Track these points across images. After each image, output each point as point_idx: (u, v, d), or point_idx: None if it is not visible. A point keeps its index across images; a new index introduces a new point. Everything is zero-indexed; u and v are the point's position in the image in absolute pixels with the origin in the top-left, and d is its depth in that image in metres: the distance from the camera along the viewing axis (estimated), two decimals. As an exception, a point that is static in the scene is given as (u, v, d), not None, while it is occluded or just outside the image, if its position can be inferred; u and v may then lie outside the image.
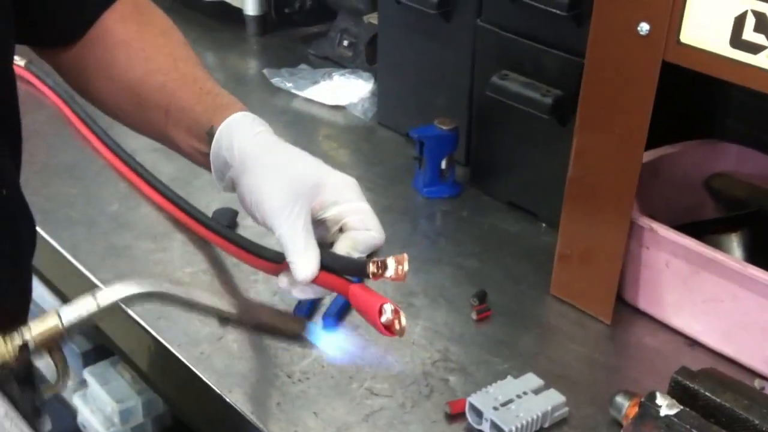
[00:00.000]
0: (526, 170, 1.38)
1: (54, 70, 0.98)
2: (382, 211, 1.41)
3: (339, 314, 1.14)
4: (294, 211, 0.76)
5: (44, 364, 0.78)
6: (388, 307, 0.75)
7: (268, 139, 0.82)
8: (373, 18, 1.69)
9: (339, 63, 1.85)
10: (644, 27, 0.97)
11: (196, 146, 0.85)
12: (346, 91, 1.73)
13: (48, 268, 1.33)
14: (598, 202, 1.11)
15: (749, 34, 0.89)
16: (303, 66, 1.85)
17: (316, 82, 1.77)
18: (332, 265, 0.76)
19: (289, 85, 1.77)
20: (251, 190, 0.78)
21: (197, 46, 1.21)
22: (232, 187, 0.83)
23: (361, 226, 0.79)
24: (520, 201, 1.40)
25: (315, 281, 0.76)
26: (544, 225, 1.37)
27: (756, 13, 0.88)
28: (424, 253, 1.31)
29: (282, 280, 0.79)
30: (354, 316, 1.15)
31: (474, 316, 1.15)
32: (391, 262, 0.75)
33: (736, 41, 0.90)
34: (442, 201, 1.44)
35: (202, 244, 1.30)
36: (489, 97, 1.33)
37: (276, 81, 1.78)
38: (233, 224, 1.34)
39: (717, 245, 1.09)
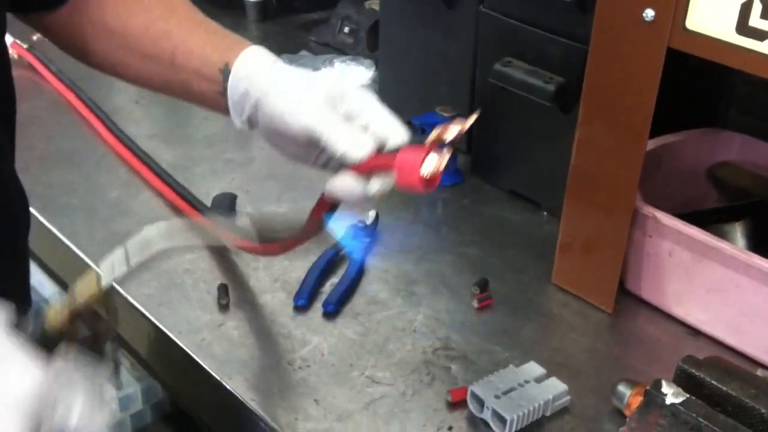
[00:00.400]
0: (528, 159, 1.37)
1: (46, 38, 0.97)
2: (384, 199, 1.41)
3: (339, 301, 1.13)
4: (330, 112, 0.78)
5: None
6: (432, 159, 0.74)
7: (285, 65, 0.84)
8: (374, 4, 1.68)
9: (340, 50, 1.84)
10: (649, 13, 0.96)
11: (208, 87, 0.86)
12: (348, 78, 1.72)
13: (48, 255, 1.32)
14: (600, 190, 1.10)
15: (756, 20, 0.88)
16: (304, 53, 1.84)
17: (316, 69, 1.75)
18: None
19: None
20: (282, 109, 0.79)
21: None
22: (250, 121, 0.84)
23: (387, 131, 0.80)
24: (522, 190, 1.40)
25: (368, 165, 0.77)
26: (545, 214, 1.36)
27: (763, 0, 0.87)
28: (426, 241, 1.30)
29: (332, 185, 0.79)
30: (354, 304, 1.15)
31: (475, 304, 1.15)
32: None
33: (743, 28, 0.89)
34: (444, 189, 1.43)
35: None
36: (491, 84, 1.32)
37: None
38: (232, 208, 1.34)
39: (720, 235, 1.08)
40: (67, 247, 1.25)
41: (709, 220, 1.14)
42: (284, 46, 1.87)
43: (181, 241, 0.76)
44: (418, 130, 1.43)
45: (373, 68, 1.72)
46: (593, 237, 1.13)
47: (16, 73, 0.93)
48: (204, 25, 0.89)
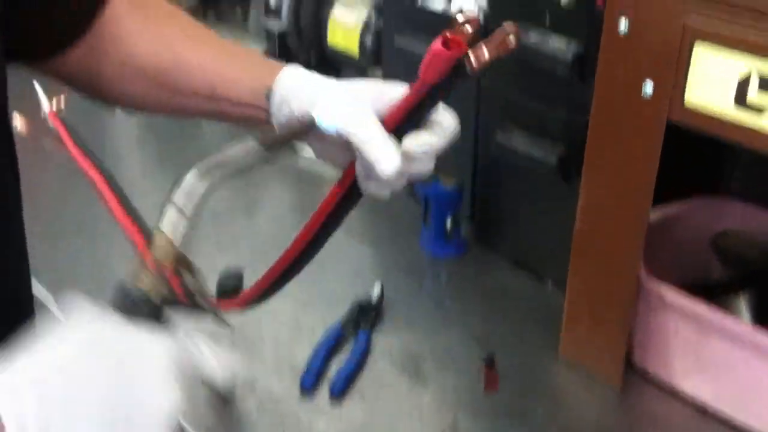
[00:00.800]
0: (531, 228, 1.37)
1: (59, 81, 0.96)
2: (387, 270, 1.41)
3: (346, 383, 1.12)
4: (366, 115, 0.75)
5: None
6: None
7: (324, 79, 0.83)
8: (377, 72, 1.69)
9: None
10: (648, 89, 0.96)
11: (252, 112, 0.86)
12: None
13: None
14: (605, 261, 1.09)
15: (754, 94, 0.88)
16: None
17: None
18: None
19: (293, 141, 1.76)
20: (322, 116, 0.78)
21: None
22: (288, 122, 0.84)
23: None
24: (526, 259, 1.39)
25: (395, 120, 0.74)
26: (550, 283, 1.35)
27: (760, 74, 0.87)
28: (431, 314, 1.29)
29: (371, 187, 0.77)
30: (361, 385, 1.13)
31: (482, 382, 1.13)
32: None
33: (741, 102, 0.89)
34: (448, 259, 1.43)
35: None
36: (493, 154, 1.32)
37: (280, 138, 1.77)
38: (239, 285, 1.33)
39: (725, 307, 1.07)
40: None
41: (714, 291, 1.13)
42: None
43: (219, 175, 0.74)
44: (422, 200, 1.43)
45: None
46: (599, 310, 1.12)
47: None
48: (237, 54, 0.90)
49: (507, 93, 1.31)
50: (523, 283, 1.36)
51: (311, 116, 0.77)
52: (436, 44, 0.69)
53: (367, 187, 0.77)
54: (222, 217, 1.52)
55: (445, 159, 1.30)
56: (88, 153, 1.15)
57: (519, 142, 1.29)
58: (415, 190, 1.45)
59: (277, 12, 1.95)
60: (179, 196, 0.72)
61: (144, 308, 0.65)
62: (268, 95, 0.84)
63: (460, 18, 0.69)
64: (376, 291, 1.30)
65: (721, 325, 1.01)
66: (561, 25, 1.18)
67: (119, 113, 1.90)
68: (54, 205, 1.54)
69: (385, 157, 0.73)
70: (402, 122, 0.74)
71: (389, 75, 1.57)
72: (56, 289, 1.30)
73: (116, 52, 0.90)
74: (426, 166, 0.79)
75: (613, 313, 1.10)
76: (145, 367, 0.59)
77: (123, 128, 1.92)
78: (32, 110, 1.78)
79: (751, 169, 1.31)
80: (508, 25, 0.69)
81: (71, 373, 0.56)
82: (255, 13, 2.00)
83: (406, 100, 0.74)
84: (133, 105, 0.95)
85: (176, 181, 0.72)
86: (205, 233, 1.48)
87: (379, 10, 1.68)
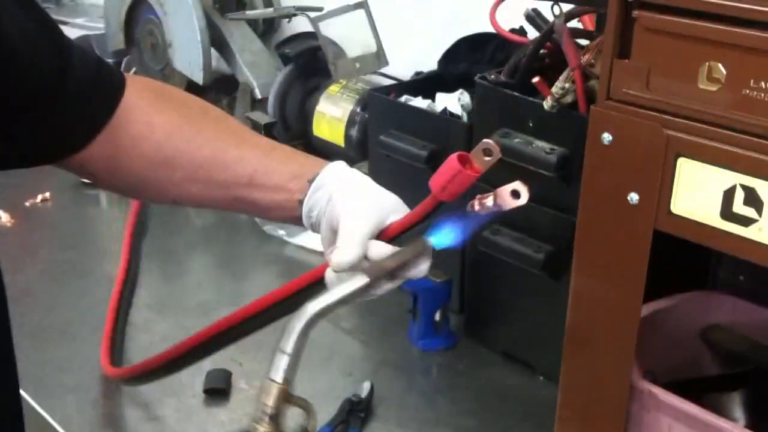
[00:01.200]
0: (521, 322, 1.37)
1: (85, 177, 0.96)
2: (377, 366, 1.40)
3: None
4: (365, 220, 0.84)
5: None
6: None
7: (357, 175, 0.92)
8: (363, 167, 1.70)
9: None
10: (634, 197, 0.97)
11: (279, 196, 0.90)
12: (339, 236, 1.73)
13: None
14: (597, 360, 1.09)
15: (739, 207, 0.89)
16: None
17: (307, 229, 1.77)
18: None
19: (281, 232, 1.77)
20: (334, 208, 0.86)
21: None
22: (312, 226, 0.91)
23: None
24: (516, 352, 1.39)
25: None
26: (541, 378, 1.35)
27: (745, 187, 0.89)
28: (421, 412, 1.29)
29: (329, 274, 0.84)
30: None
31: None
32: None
33: (727, 214, 0.91)
34: (438, 353, 1.43)
35: (195, 410, 1.28)
36: (481, 249, 1.33)
37: (268, 228, 1.78)
38: (227, 385, 1.33)
39: (718, 405, 1.07)
40: (58, 432, 1.24)
41: (707, 388, 1.13)
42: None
43: (318, 311, 0.78)
44: (410, 296, 1.43)
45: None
46: (591, 410, 1.12)
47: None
48: (277, 148, 0.94)
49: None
50: (515, 376, 1.37)
51: (428, 243, 0.82)
52: (455, 161, 0.74)
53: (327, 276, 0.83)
54: (210, 312, 1.52)
55: (435, 255, 1.31)
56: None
57: (506, 239, 1.30)
58: (404, 284, 1.45)
59: (263, 103, 1.98)
60: (287, 342, 0.74)
61: None
62: (311, 179, 0.89)
63: (485, 145, 0.75)
64: (365, 389, 1.29)
65: (714, 427, 1.01)
66: (545, 129, 1.20)
67: (105, 205, 1.91)
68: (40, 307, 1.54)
69: (338, 255, 0.80)
70: (404, 231, 0.84)
71: (376, 169, 1.58)
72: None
73: (150, 152, 0.90)
74: (418, 272, 0.83)
75: (605, 413, 1.10)
76: None
77: (110, 219, 1.92)
78: (15, 201, 1.79)
79: (736, 263, 1.32)
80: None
81: None
82: (241, 103, 2.02)
83: (417, 213, 0.84)
84: (166, 201, 0.95)
85: (284, 329, 0.75)
86: (194, 327, 1.48)
87: (364, 105, 1.71)
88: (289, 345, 0.74)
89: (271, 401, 0.73)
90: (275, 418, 0.73)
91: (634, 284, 1.01)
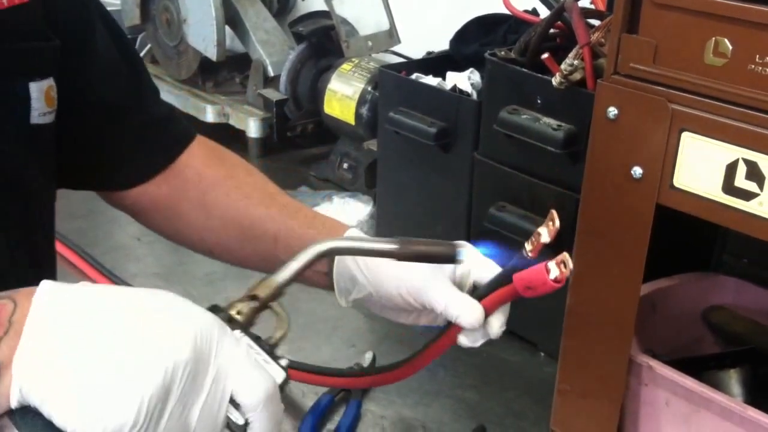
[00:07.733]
0: (525, 299, 1.38)
1: (127, 212, 0.99)
2: (380, 339, 1.42)
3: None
4: (441, 281, 0.80)
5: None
6: (552, 266, 0.74)
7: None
8: (372, 144, 1.72)
9: (339, 185, 1.87)
10: (638, 171, 0.98)
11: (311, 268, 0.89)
12: (346, 213, 1.75)
13: None
14: (596, 335, 1.11)
15: (741, 181, 0.90)
16: (303, 188, 1.87)
17: (316, 205, 1.79)
18: (488, 291, 0.79)
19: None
20: (398, 286, 0.82)
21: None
22: (354, 299, 0.85)
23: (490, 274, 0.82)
24: (519, 330, 1.40)
25: (489, 310, 0.79)
26: (543, 355, 1.36)
27: (747, 162, 0.90)
28: (424, 384, 1.30)
29: (462, 340, 0.80)
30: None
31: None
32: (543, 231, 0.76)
33: (729, 188, 0.92)
34: (441, 328, 1.44)
35: None
36: (486, 224, 1.34)
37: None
38: None
39: (716, 382, 1.08)
40: None
41: (705, 366, 1.14)
42: (285, 181, 1.90)
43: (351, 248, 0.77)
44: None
45: (371, 204, 1.75)
46: (590, 383, 1.13)
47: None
48: (303, 211, 0.92)
49: (499, 168, 1.34)
50: (517, 353, 1.38)
51: (457, 249, 0.81)
52: (542, 270, 0.74)
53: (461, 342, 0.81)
54: (217, 282, 1.54)
55: (439, 228, 1.33)
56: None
57: (511, 216, 1.31)
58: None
59: (275, 81, 1.99)
60: (303, 254, 0.74)
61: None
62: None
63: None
64: (367, 359, 1.31)
65: (712, 401, 1.03)
66: (553, 107, 1.21)
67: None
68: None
69: (469, 312, 0.78)
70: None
71: (384, 146, 1.60)
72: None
73: (196, 199, 0.93)
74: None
75: (604, 387, 1.11)
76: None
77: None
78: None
79: (740, 246, 1.33)
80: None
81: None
82: (254, 81, 2.04)
83: (502, 296, 0.80)
84: (204, 249, 0.97)
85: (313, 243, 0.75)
86: (200, 296, 1.50)
87: (375, 84, 1.72)
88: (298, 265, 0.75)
89: (260, 292, 0.73)
90: (254, 298, 0.73)
91: (636, 258, 1.03)
